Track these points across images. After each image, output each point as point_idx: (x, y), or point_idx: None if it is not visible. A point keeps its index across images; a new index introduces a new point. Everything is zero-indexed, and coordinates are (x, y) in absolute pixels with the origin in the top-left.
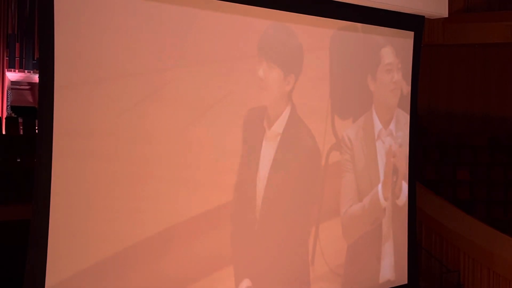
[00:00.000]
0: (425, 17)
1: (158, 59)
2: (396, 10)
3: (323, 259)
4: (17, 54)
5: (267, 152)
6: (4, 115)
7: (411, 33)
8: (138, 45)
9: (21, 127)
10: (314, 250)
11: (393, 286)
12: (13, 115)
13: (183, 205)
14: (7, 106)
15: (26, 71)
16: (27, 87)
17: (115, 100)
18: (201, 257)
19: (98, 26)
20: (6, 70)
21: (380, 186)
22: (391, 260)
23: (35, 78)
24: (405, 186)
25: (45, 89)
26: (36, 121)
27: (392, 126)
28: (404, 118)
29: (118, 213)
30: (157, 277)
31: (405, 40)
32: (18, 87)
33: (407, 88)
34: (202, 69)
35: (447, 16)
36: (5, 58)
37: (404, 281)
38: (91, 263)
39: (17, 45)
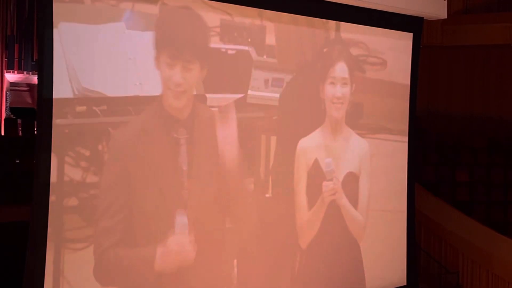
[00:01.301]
0: (424, 18)
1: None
2: (395, 12)
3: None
4: (16, 55)
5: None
6: (3, 117)
7: (410, 35)
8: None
9: (20, 129)
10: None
11: (393, 287)
12: (12, 116)
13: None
14: (6, 107)
15: (25, 72)
16: (26, 88)
17: None
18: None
19: (97, 28)
20: (5, 71)
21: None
22: (389, 263)
23: (34, 79)
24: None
25: (44, 90)
26: (35, 122)
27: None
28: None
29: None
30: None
31: (404, 41)
32: (17, 88)
33: (406, 89)
34: None
35: (446, 17)
36: (4, 59)
37: (403, 282)
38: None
39: (16, 46)
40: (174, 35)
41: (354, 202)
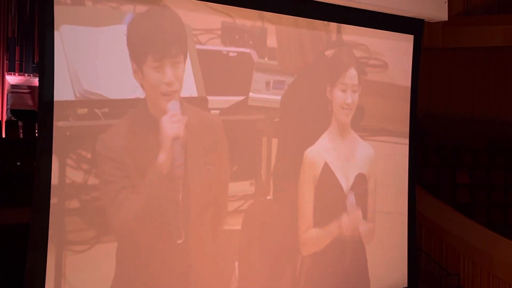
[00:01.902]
0: (425, 20)
1: None
2: (396, 14)
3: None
4: (17, 58)
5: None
6: (4, 119)
7: (411, 37)
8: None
9: (21, 131)
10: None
11: None
12: (13, 118)
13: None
14: (7, 109)
15: (26, 74)
16: (27, 90)
17: None
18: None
19: (98, 31)
20: (6, 73)
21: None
22: (390, 265)
23: (35, 81)
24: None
25: (45, 92)
26: (36, 125)
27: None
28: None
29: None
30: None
31: (405, 43)
32: (18, 90)
33: (407, 91)
34: None
35: (446, 19)
36: (5, 61)
37: (404, 284)
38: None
39: (17, 48)
40: (150, 38)
41: (364, 204)
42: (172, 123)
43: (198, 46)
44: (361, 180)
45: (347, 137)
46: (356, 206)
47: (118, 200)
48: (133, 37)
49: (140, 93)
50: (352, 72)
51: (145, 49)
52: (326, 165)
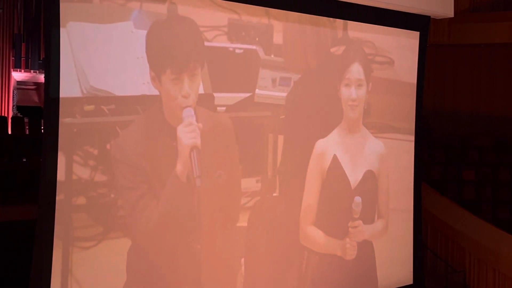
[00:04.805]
0: (431, 17)
1: None
2: (402, 10)
3: None
4: (23, 54)
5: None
6: (10, 115)
7: (417, 33)
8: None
9: (27, 127)
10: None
11: (399, 286)
12: (19, 115)
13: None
14: (13, 106)
15: (32, 71)
16: (33, 87)
17: None
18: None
19: (105, 28)
20: (12, 70)
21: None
22: (395, 262)
23: (41, 78)
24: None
25: (51, 89)
26: (42, 121)
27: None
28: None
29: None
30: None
31: (411, 40)
32: (24, 87)
33: (413, 88)
34: None
35: (452, 16)
36: (11, 58)
37: (410, 281)
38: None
39: (23, 45)
40: (170, 50)
41: (373, 201)
42: (188, 133)
43: (205, 43)
44: (369, 177)
45: (357, 133)
46: (360, 211)
47: (139, 207)
48: (153, 45)
49: (146, 90)
50: (355, 66)
51: (164, 60)
52: (335, 158)
